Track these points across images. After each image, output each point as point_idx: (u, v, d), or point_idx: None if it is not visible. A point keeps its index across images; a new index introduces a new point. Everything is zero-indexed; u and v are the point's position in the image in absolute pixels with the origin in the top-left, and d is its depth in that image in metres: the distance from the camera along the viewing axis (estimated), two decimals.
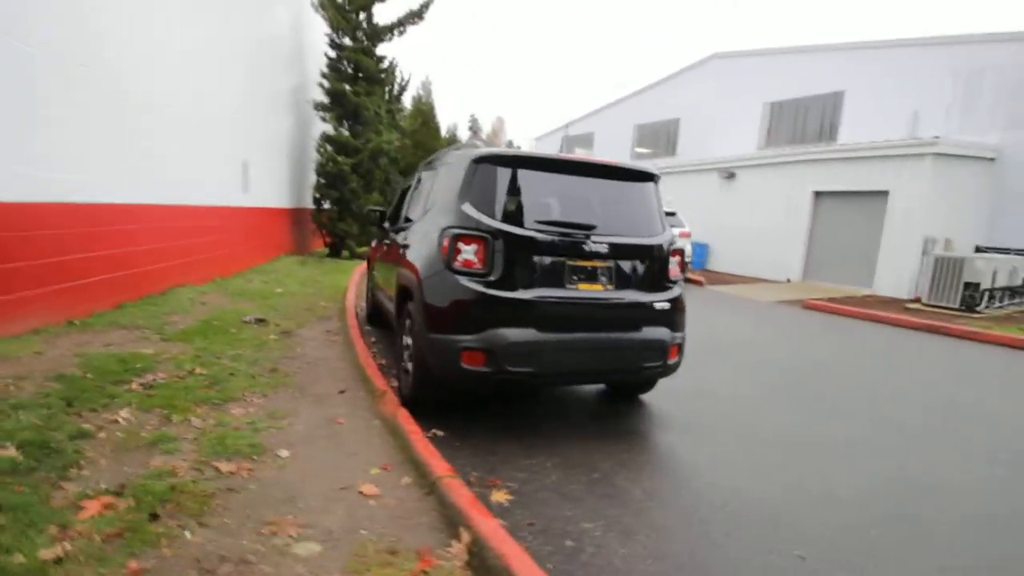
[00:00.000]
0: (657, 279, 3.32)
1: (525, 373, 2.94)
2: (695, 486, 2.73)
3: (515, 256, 2.96)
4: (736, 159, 16.65)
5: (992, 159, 12.76)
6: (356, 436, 2.91)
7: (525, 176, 3.12)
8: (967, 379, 5.51)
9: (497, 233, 2.95)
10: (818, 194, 13.96)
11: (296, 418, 3.07)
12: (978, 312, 9.65)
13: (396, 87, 16.54)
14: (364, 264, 10.63)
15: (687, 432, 3.43)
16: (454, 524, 2.06)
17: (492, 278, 2.94)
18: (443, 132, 33.16)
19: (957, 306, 9.90)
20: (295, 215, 10.62)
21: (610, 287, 3.18)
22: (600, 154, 24.93)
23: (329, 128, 10.41)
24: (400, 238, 4.05)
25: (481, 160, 3.13)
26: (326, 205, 10.64)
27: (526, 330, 2.94)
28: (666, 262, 3.36)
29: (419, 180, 4.41)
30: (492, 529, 1.95)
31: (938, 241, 11.91)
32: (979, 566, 2.19)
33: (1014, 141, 12.59)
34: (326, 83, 10.24)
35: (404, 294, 3.69)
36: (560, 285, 3.06)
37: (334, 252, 11.26)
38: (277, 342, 4.71)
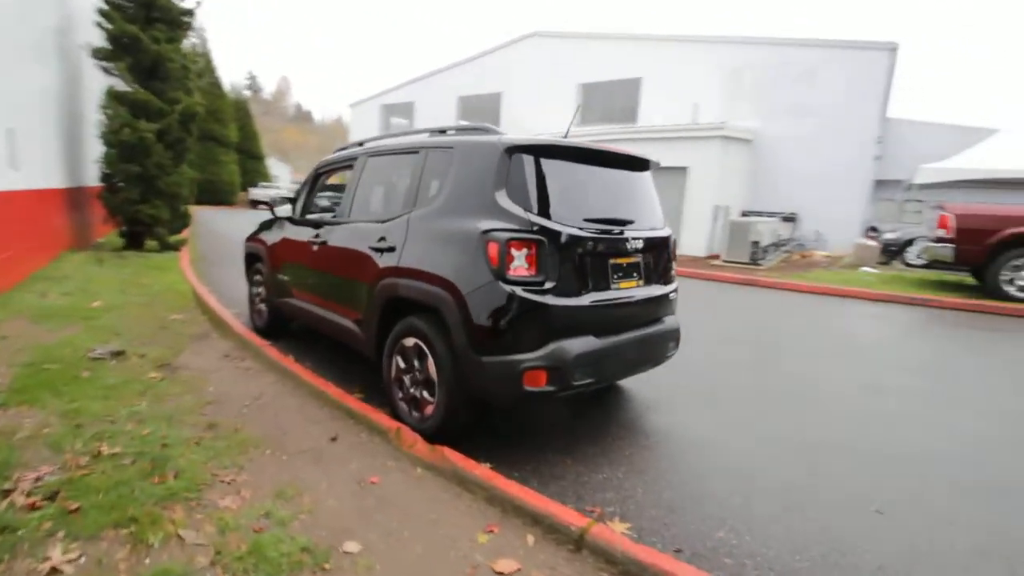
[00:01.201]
0: (666, 269, 3.34)
1: (585, 384, 2.70)
2: (761, 471, 2.83)
3: (566, 258, 2.65)
4: (560, 135, 17.74)
5: (751, 140, 16.00)
6: (414, 496, 2.33)
7: (557, 167, 2.78)
8: (807, 317, 6.91)
9: (550, 234, 2.59)
10: None
11: (315, 491, 2.32)
12: (760, 264, 12.18)
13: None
14: (185, 258, 8.55)
15: (692, 410, 3.58)
16: None
17: (547, 285, 2.59)
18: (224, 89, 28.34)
19: (747, 261, 12.34)
20: (72, 197, 7.92)
21: (640, 283, 3.09)
22: (423, 126, 24.14)
23: (118, 83, 7.87)
24: (364, 238, 3.29)
25: (515, 150, 2.68)
26: (120, 183, 8.16)
27: (586, 339, 2.69)
28: (672, 252, 3.40)
29: (369, 166, 3.62)
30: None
31: (721, 208, 14.57)
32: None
33: (764, 127, 15.96)
34: (107, 23, 7.66)
35: (392, 308, 3.06)
36: (607, 286, 2.85)
37: (134, 243, 8.79)
38: (169, 383, 3.49)
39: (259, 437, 2.78)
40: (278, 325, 4.79)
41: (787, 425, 3.42)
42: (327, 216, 4.61)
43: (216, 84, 26.28)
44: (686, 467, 2.84)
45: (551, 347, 2.57)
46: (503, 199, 2.63)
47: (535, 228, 2.56)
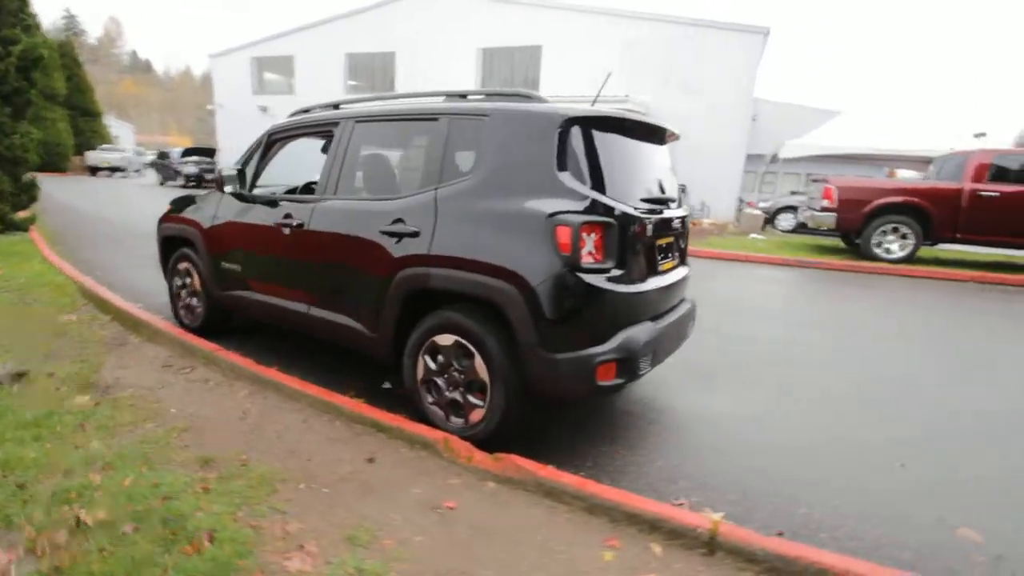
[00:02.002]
0: (686, 248, 3.31)
1: (645, 372, 2.59)
2: (790, 437, 2.95)
3: (629, 242, 2.47)
4: None
5: (646, 115, 16.79)
6: (504, 517, 2.06)
7: (609, 141, 2.55)
8: (736, 281, 7.46)
9: (618, 216, 2.39)
10: None
11: (391, 529, 1.94)
12: None
13: None
14: (40, 240, 6.89)
15: (695, 384, 3.66)
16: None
17: (616, 272, 2.40)
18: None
19: None
20: None
21: (674, 263, 3.02)
22: (305, 84, 21.86)
23: None
24: (367, 220, 2.80)
25: (575, 121, 2.40)
26: None
27: (645, 325, 2.56)
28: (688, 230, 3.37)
29: (359, 133, 3.06)
30: (868, 569, 1.75)
31: None
32: None
33: (655, 101, 16.82)
34: None
35: (417, 302, 2.66)
36: (656, 269, 2.73)
37: None
38: (112, 409, 2.75)
39: (279, 469, 2.28)
40: (218, 322, 4.03)
41: (788, 388, 3.63)
42: (279, 191, 3.92)
43: (36, 24, 21.29)
44: (726, 442, 2.86)
45: (621, 337, 2.41)
46: (565, 177, 2.36)
47: (604, 210, 2.34)
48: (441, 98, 2.88)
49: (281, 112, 23.04)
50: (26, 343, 3.60)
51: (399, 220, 2.69)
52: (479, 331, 2.45)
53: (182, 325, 4.16)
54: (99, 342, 3.78)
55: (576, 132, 2.41)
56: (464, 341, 2.51)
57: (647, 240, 2.61)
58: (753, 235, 13.08)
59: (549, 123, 2.41)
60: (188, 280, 4.07)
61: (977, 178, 8.52)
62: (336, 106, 3.39)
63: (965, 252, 10.71)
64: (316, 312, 3.17)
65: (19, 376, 2.99)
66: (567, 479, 2.20)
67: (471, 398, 2.55)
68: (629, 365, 2.43)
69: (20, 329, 3.87)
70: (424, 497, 2.15)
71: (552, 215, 2.28)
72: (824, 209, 9.50)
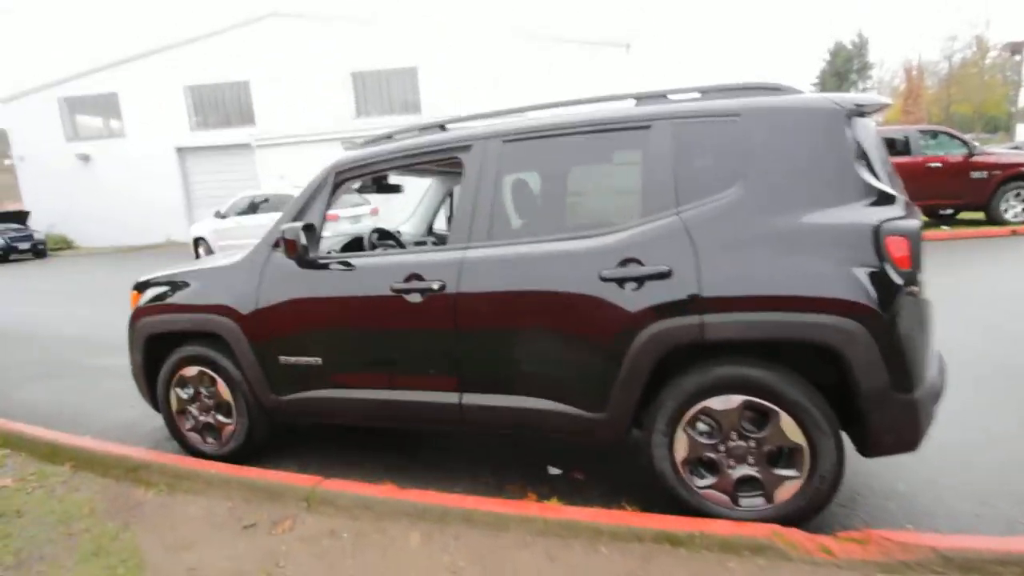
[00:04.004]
0: None
1: None
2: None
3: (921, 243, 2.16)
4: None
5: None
6: None
7: (870, 129, 2.14)
8: None
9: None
10: None
11: None
12: None
13: None
14: None
15: None
16: None
17: (921, 280, 2.05)
18: None
19: None
20: None
21: None
22: (139, 124, 18.54)
23: None
24: (568, 266, 2.11)
25: (857, 111, 2.01)
26: None
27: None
28: None
29: (509, 156, 2.32)
30: None
31: None
32: None
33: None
34: None
35: (667, 362, 2.04)
36: None
37: None
38: None
39: None
40: (262, 439, 2.90)
41: None
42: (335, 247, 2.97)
43: None
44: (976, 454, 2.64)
45: (936, 355, 2.10)
46: (871, 178, 1.96)
47: (911, 210, 1.99)
48: (631, 102, 2.29)
49: (111, 160, 19.45)
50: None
51: (631, 260, 2.05)
52: (782, 384, 1.92)
53: (195, 453, 2.93)
54: (89, 513, 2.44)
55: (857, 123, 2.03)
56: (758, 400, 1.96)
57: None
58: None
59: (835, 116, 1.98)
60: (204, 390, 2.86)
61: None
62: (443, 127, 2.59)
63: None
64: (476, 401, 2.34)
65: None
66: (968, 543, 1.78)
67: (778, 471, 2.00)
68: (941, 383, 2.12)
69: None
70: None
71: (880, 225, 1.86)
72: None
